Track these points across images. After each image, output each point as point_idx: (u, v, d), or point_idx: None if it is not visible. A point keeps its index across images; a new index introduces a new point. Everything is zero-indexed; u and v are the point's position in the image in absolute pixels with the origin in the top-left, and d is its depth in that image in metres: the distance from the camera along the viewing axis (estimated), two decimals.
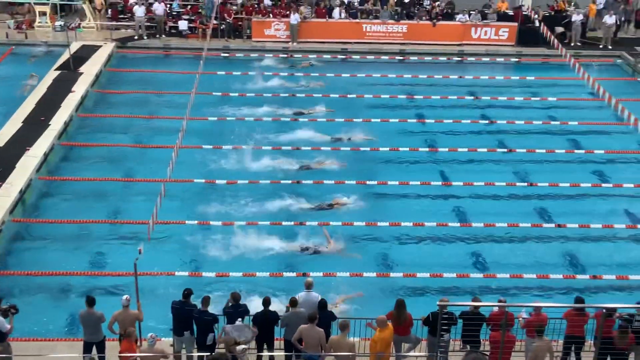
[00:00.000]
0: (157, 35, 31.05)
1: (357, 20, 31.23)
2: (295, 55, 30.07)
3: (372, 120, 23.94)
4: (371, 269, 16.42)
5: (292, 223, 18.04)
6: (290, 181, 19.97)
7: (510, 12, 31.98)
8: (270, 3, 31.98)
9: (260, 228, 17.66)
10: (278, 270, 16.29)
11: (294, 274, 15.99)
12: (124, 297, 12.40)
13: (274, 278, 15.99)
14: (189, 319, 12.41)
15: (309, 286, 12.82)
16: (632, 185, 20.16)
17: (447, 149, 22.13)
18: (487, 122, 24.37)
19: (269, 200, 19.05)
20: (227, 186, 19.70)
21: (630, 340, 12.15)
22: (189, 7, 32.31)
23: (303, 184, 19.82)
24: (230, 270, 16.09)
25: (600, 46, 31.07)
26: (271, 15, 31.21)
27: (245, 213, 18.43)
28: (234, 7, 31.69)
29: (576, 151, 22.47)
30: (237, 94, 25.86)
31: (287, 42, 30.88)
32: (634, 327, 12.06)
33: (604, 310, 11.99)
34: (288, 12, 30.79)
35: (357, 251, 17.08)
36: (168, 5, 31.75)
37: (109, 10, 32.01)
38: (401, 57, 30.59)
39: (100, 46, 29.39)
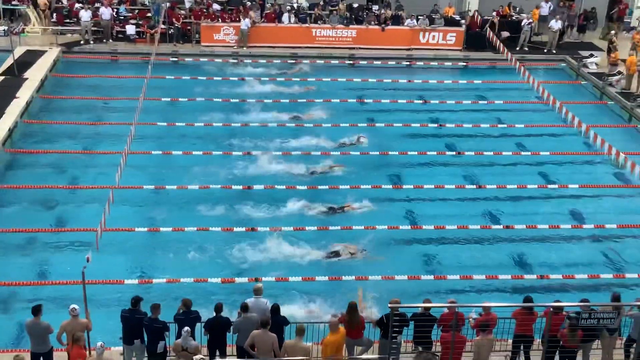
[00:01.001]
0: (104, 40, 30.60)
1: (307, 25, 31.30)
2: (260, 60, 29.95)
3: (323, 125, 24.00)
4: (321, 273, 16.40)
5: (244, 229, 17.95)
6: (241, 186, 19.85)
7: (457, 17, 32.45)
8: (219, 8, 31.82)
9: (212, 234, 17.54)
10: (231, 276, 16.17)
11: (246, 279, 15.89)
12: (72, 306, 12.14)
13: (225, 284, 15.86)
14: (138, 327, 12.22)
15: (257, 292, 12.76)
16: (577, 186, 20.60)
17: (397, 152, 22.29)
18: (436, 125, 24.65)
19: (221, 205, 18.95)
20: (178, 192, 19.50)
21: (579, 338, 12.43)
22: (137, 11, 31.94)
23: (254, 190, 19.73)
24: (182, 276, 15.91)
25: (545, 50, 31.75)
26: (220, 19, 31.06)
27: (196, 218, 18.27)
28: (183, 12, 31.44)
29: (523, 153, 22.91)
30: (186, 99, 25.64)
31: (237, 46, 30.77)
32: (581, 325, 12.30)
33: (552, 309, 12.23)
34: (238, 18, 30.67)
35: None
36: (115, 10, 31.33)
37: (54, 15, 31.43)
38: (351, 62, 30.76)
39: (45, 51, 28.83)
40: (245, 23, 30.36)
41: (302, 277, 16.12)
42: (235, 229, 17.87)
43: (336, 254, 17.13)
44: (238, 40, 30.63)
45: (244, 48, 30.63)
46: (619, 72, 27.76)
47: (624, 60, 28.02)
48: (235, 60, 30.11)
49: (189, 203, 19.12)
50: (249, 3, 31.81)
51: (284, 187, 19.83)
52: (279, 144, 22.62)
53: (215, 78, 27.78)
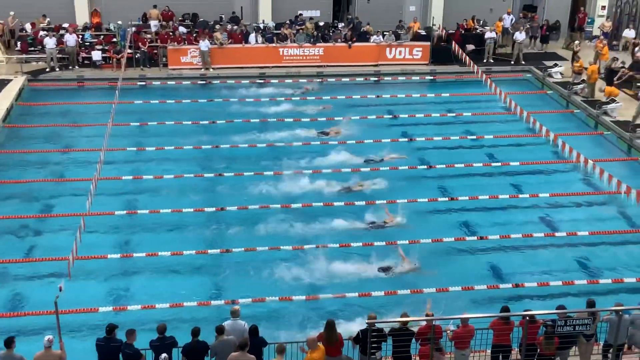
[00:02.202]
0: (70, 67, 30.41)
1: (274, 45, 31.39)
2: (228, 81, 29.87)
3: (294, 144, 24.02)
4: (301, 292, 16.33)
5: (218, 250, 17.86)
6: (214, 208, 19.77)
7: (423, 32, 32.79)
8: (185, 30, 31.80)
9: (184, 258, 17.41)
10: (207, 299, 16.04)
11: (222, 302, 15.77)
12: (46, 337, 11.94)
13: (202, 307, 15.72)
14: (114, 355, 12.04)
15: (234, 314, 12.67)
16: (547, 195, 20.80)
17: (369, 169, 22.34)
18: (407, 139, 24.77)
19: (193, 228, 18.87)
20: (150, 216, 19.35)
21: (556, 345, 12.51)
22: (102, 37, 31.80)
23: (227, 210, 19.65)
24: (156, 302, 15.73)
25: (512, 62, 32.16)
26: (186, 42, 31.03)
27: (170, 243, 18.11)
28: (149, 36, 31.38)
29: (493, 164, 23.09)
30: (155, 123, 25.52)
31: (204, 68, 30.75)
32: (558, 332, 12.38)
33: (527, 318, 12.30)
34: (204, 39, 30.70)
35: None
36: (80, 36, 31.16)
37: (19, 43, 31.17)
38: (319, 80, 30.88)
39: (10, 80, 28.54)
40: (205, 44, 30.34)
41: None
42: (209, 252, 17.78)
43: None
44: (202, 62, 30.61)
45: (209, 69, 30.60)
46: (583, 81, 28.21)
47: (586, 69, 28.50)
48: (203, 82, 30.07)
49: (161, 227, 18.97)
50: (217, 26, 31.86)
51: (258, 206, 19.75)
52: (249, 164, 22.54)
53: (184, 101, 27.69)
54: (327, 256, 17.56)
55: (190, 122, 25.57)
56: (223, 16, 32.96)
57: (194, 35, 31.49)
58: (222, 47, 30.90)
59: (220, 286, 16.85)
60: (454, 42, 31.19)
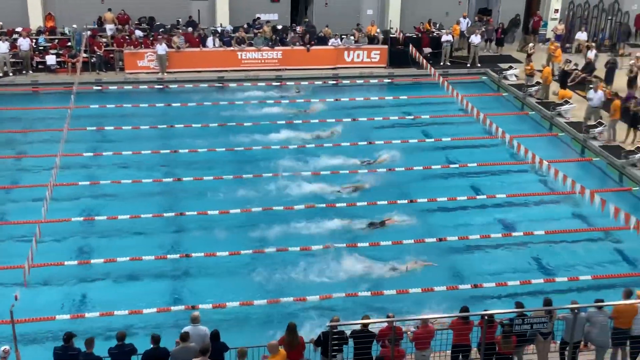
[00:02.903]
0: (24, 72, 29.86)
1: (232, 49, 31.28)
2: (186, 86, 29.68)
3: (254, 148, 23.97)
4: (263, 297, 16.28)
5: (178, 255, 17.73)
6: (173, 213, 19.61)
7: (381, 35, 32.99)
8: (141, 34, 31.49)
9: (143, 264, 17.24)
10: (167, 305, 15.90)
11: (182, 307, 15.65)
12: (2, 348, 11.72)
13: (161, 314, 15.57)
14: None
15: (195, 320, 12.59)
16: (504, 195, 21.10)
17: (328, 172, 22.38)
18: (365, 142, 24.84)
19: (149, 234, 18.69)
20: (108, 222, 19.11)
21: (513, 344, 12.70)
22: (56, 41, 31.30)
23: (186, 215, 19.51)
24: (115, 309, 15.54)
25: (468, 65, 32.56)
26: (143, 46, 30.74)
27: (128, 249, 17.91)
28: (104, 39, 31.00)
29: (451, 166, 23.34)
30: (112, 128, 25.21)
31: (161, 72, 30.49)
32: (515, 331, 12.57)
33: (486, 317, 12.46)
34: (161, 43, 30.43)
35: None
36: (34, 40, 30.64)
37: None
38: (278, 83, 30.87)
39: None
40: (162, 48, 30.09)
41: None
42: (168, 256, 17.65)
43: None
44: (159, 66, 30.36)
45: (164, 74, 30.34)
46: (538, 83, 28.69)
47: (540, 71, 29.00)
48: (160, 86, 29.82)
49: (120, 233, 18.77)
50: (175, 29, 31.62)
51: (217, 211, 19.64)
52: (208, 169, 22.43)
53: (141, 105, 27.40)
54: (287, 260, 17.57)
55: (148, 127, 25.33)
56: (180, 20, 32.73)
57: (151, 39, 31.21)
58: (180, 51, 30.68)
59: (180, 292, 16.73)
60: (411, 45, 31.46)
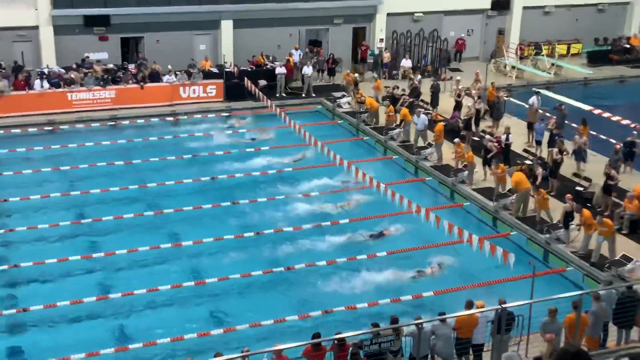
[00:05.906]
0: None
1: (61, 90, 30.14)
2: (13, 131, 28.17)
3: (91, 191, 23.22)
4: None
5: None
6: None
7: (215, 70, 33.09)
8: None
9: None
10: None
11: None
12: None
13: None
14: None
15: None
16: (347, 220, 21.57)
17: (172, 210, 22.06)
18: (209, 178, 24.69)
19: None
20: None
21: None
22: None
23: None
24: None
25: (303, 95, 33.34)
26: None
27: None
28: None
29: (293, 195, 23.58)
30: None
31: None
32: (365, 352, 12.91)
33: (336, 342, 12.74)
34: None
35: None
36: None
37: None
38: (113, 123, 30.08)
39: None
40: None
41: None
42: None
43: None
44: None
45: None
46: (367, 110, 29.83)
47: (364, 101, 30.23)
48: None
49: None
50: None
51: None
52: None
53: None
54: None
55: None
56: (2, 63, 31.10)
57: None
58: (4, 95, 29.14)
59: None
60: (246, 78, 31.79)
